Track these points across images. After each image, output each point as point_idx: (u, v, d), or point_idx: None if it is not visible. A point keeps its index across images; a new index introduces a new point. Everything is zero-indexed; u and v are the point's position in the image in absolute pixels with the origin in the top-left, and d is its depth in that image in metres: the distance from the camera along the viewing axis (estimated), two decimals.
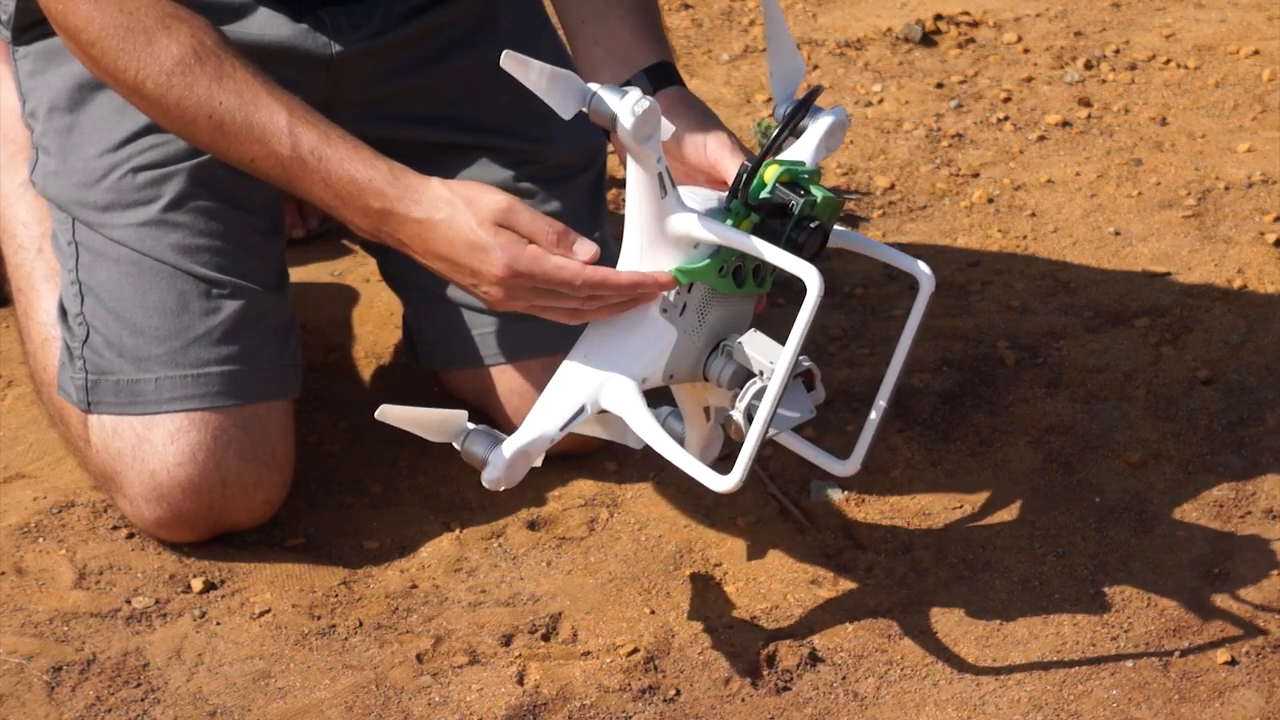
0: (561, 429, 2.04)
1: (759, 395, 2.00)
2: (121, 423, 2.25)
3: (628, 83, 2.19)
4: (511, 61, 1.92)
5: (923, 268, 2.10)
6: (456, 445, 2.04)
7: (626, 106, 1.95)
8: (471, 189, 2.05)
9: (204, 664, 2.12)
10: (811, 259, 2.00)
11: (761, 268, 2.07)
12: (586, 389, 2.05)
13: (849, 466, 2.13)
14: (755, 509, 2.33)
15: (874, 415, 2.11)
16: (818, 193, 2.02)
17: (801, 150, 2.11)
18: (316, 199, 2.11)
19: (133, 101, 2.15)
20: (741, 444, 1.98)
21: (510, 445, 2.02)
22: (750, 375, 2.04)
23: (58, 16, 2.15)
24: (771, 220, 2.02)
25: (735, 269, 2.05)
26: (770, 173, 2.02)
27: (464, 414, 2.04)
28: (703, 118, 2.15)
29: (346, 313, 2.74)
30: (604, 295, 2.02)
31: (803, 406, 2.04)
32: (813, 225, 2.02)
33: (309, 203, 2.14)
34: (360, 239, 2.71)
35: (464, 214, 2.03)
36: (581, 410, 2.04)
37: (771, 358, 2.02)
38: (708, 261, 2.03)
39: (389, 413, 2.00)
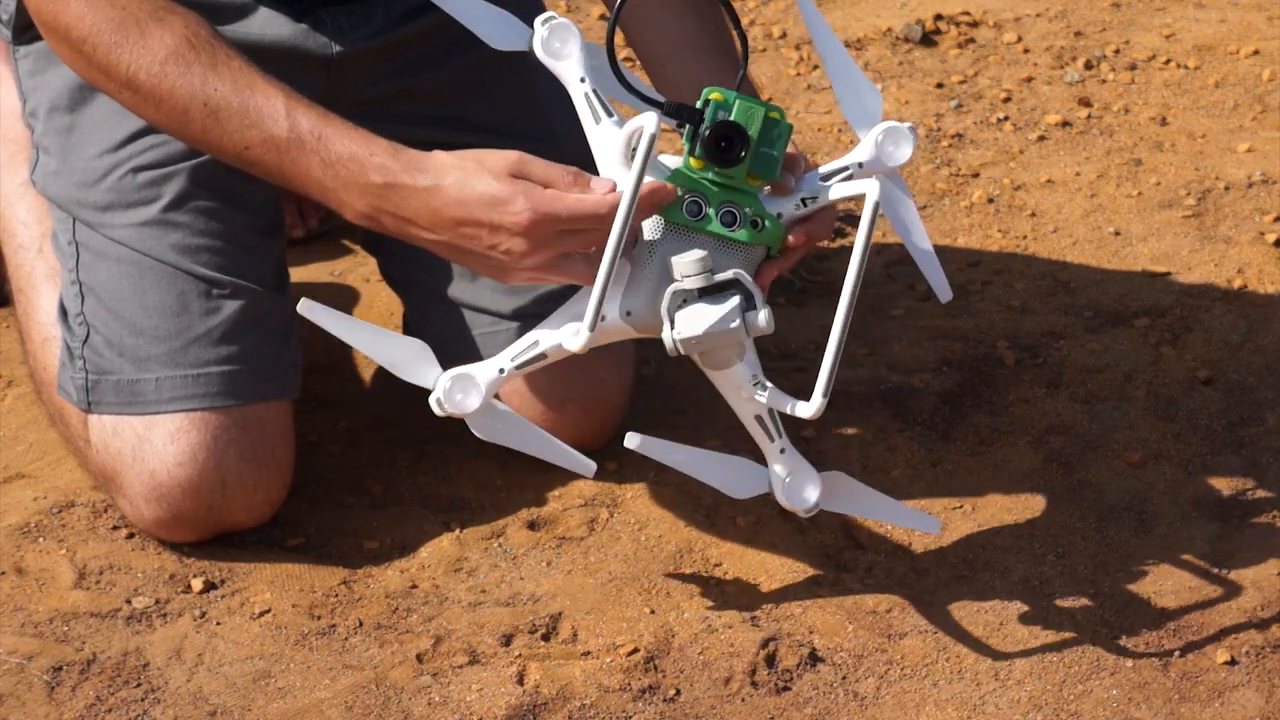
0: (513, 360, 2.08)
1: (675, 296, 2.00)
2: (121, 423, 2.25)
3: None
4: None
5: (871, 181, 2.03)
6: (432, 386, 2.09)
7: (539, 23, 2.07)
8: (476, 151, 2.05)
9: (204, 664, 2.12)
10: (727, 164, 2.01)
11: (737, 214, 2.06)
12: (542, 326, 2.09)
13: (811, 407, 2.01)
14: (755, 509, 2.33)
15: (832, 342, 2.00)
16: (738, 101, 2.02)
17: (857, 152, 2.11)
18: (314, 182, 2.10)
19: (124, 98, 2.15)
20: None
21: (456, 370, 2.08)
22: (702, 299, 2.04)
23: (47, 17, 2.15)
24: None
25: (693, 202, 2.05)
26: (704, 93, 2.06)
27: (428, 348, 2.08)
28: None
29: (346, 313, 2.73)
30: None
31: (726, 316, 2.00)
32: (718, 121, 2.02)
33: (304, 191, 2.12)
34: (360, 236, 2.71)
35: (476, 171, 2.03)
36: (535, 344, 2.08)
37: (687, 267, 2.02)
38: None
39: (308, 306, 2.06)
